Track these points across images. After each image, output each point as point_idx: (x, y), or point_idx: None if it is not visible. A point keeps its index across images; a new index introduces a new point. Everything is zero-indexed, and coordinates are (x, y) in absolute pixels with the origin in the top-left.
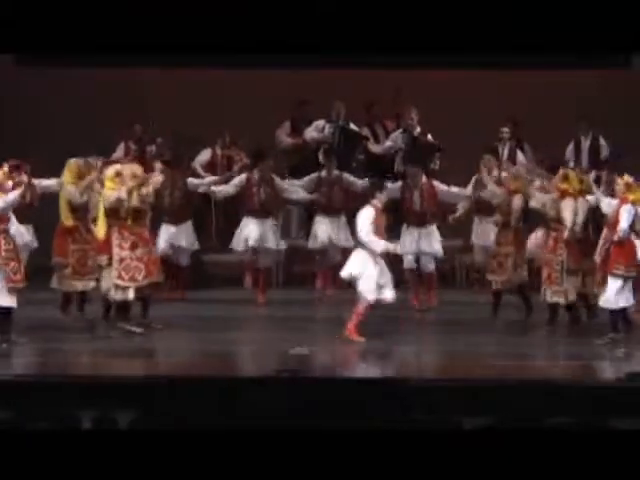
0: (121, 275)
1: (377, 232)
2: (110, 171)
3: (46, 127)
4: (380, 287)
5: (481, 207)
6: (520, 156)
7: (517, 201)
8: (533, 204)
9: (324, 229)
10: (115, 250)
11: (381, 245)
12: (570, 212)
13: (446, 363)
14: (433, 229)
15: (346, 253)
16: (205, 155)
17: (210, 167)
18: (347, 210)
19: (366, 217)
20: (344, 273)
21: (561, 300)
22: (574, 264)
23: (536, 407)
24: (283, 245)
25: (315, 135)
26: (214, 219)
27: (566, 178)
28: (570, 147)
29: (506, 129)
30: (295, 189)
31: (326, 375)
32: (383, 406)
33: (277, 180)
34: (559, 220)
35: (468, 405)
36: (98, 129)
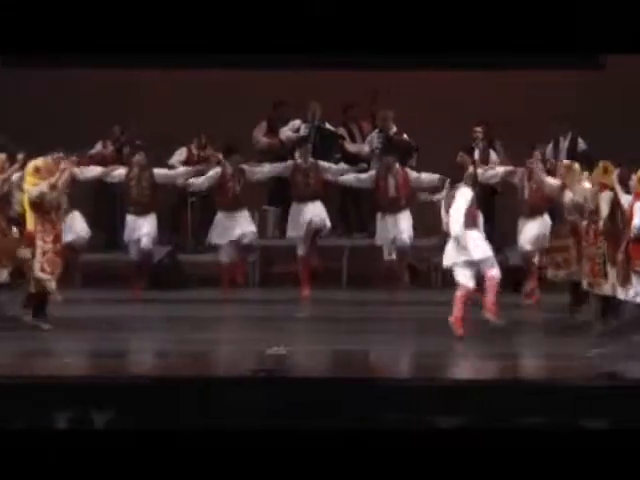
0: (44, 268)
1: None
2: (30, 166)
3: (28, 126)
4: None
5: None
6: (493, 155)
7: (568, 194)
8: (575, 197)
9: (302, 216)
10: (39, 243)
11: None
12: (607, 204)
13: (422, 363)
14: (407, 214)
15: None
16: (181, 155)
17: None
18: (323, 197)
19: (462, 206)
20: (445, 263)
21: (607, 290)
22: (615, 255)
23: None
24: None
25: (291, 135)
26: (190, 218)
27: (606, 171)
28: (549, 147)
29: (479, 129)
30: (261, 168)
31: (303, 375)
32: (359, 406)
33: (247, 167)
34: (598, 212)
35: (444, 405)
36: (81, 128)
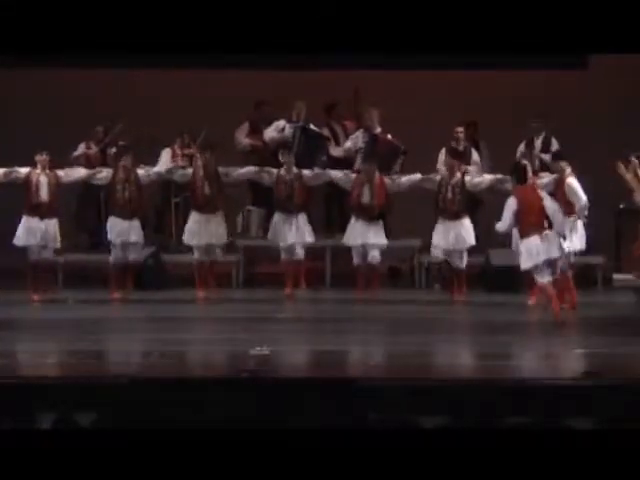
0: None
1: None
2: None
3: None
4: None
5: (447, 208)
6: (475, 155)
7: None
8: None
9: (285, 228)
10: None
11: None
12: None
13: (402, 363)
14: (379, 226)
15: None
16: (166, 155)
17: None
18: (307, 208)
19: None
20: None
21: None
22: None
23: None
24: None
25: (275, 136)
26: (174, 218)
27: None
28: (521, 146)
29: (460, 129)
30: (234, 168)
31: (287, 375)
32: (340, 406)
33: (220, 170)
34: None
35: (422, 405)
36: (63, 128)
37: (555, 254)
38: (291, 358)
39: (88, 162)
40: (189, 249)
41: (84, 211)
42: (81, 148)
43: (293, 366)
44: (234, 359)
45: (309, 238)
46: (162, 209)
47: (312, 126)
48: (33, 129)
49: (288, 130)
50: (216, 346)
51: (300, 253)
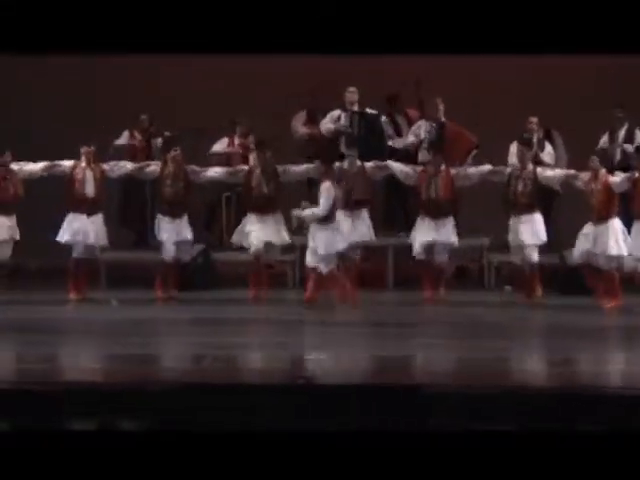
0: None
1: None
2: None
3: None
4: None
5: (518, 202)
6: (548, 147)
7: None
8: None
9: (345, 226)
10: None
11: None
12: None
13: (462, 369)
14: (450, 219)
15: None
16: (221, 144)
17: (226, 157)
18: (370, 203)
19: None
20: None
21: None
22: None
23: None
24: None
25: (331, 127)
26: (224, 214)
27: None
28: (604, 137)
29: (534, 119)
30: (292, 166)
31: (343, 382)
32: (402, 413)
33: (280, 169)
34: None
35: (482, 411)
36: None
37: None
38: (350, 364)
39: (132, 153)
40: (241, 247)
41: (128, 207)
42: (125, 136)
43: (352, 372)
44: (289, 364)
45: (370, 236)
46: (212, 204)
47: (368, 110)
48: (67, 121)
49: (344, 119)
50: (269, 350)
51: (356, 252)
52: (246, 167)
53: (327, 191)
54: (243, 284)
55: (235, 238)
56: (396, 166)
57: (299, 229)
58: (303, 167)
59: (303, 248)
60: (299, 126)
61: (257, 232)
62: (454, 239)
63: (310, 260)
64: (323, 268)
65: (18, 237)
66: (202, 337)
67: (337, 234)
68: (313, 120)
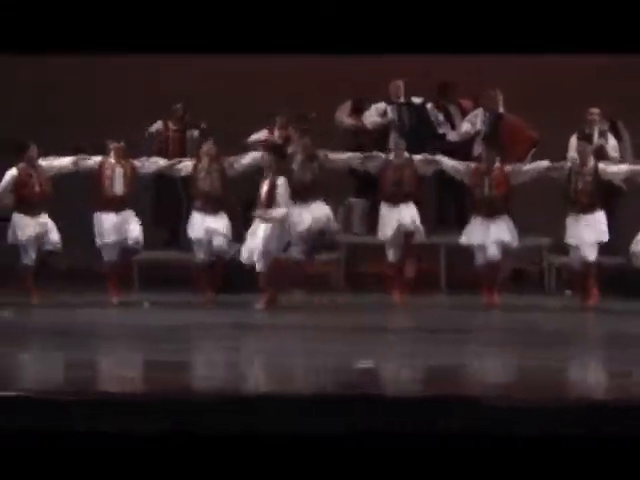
0: None
1: None
2: None
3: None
4: None
5: (578, 200)
6: (612, 140)
7: None
8: None
9: (391, 220)
10: None
11: None
12: None
13: (517, 379)
14: (505, 217)
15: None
16: (261, 134)
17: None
18: (417, 198)
19: None
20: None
21: None
22: None
23: None
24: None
25: (378, 120)
26: None
27: None
28: None
29: (596, 110)
30: (335, 153)
31: (394, 393)
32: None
33: (321, 153)
34: None
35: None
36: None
37: None
38: (401, 373)
39: (164, 144)
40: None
41: (161, 204)
42: (157, 126)
43: (403, 382)
44: (334, 373)
45: (419, 234)
46: (251, 200)
47: (414, 99)
48: (99, 115)
49: (390, 112)
50: (313, 358)
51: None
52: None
53: (282, 187)
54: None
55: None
56: (446, 161)
57: (345, 226)
58: (345, 155)
59: (349, 246)
60: (344, 117)
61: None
62: (510, 238)
63: (246, 258)
64: (260, 267)
65: (54, 238)
66: (241, 343)
67: (283, 231)
68: (359, 110)
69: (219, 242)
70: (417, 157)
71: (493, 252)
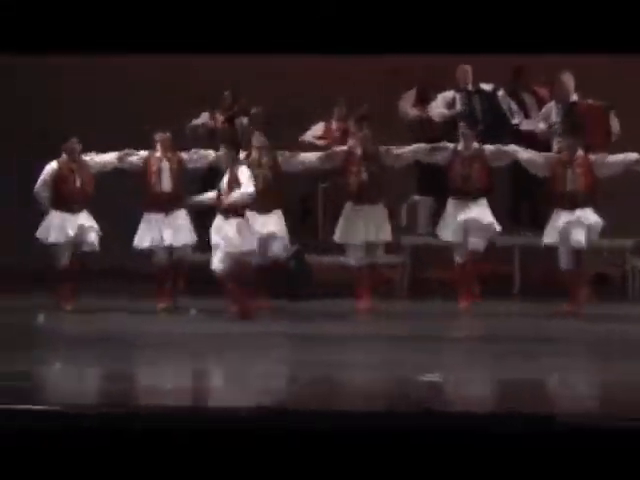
0: None
1: None
2: None
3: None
4: None
5: None
6: None
7: None
8: None
9: (458, 218)
10: None
11: None
12: None
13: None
14: (589, 213)
15: None
16: (317, 129)
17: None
18: (490, 192)
19: None
20: None
21: None
22: None
23: None
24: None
25: (445, 112)
26: (320, 209)
27: None
28: None
29: None
30: (398, 147)
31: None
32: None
33: (381, 149)
34: None
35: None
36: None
37: None
38: (470, 387)
39: (210, 135)
40: (340, 248)
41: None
42: (204, 117)
43: (472, 398)
44: (397, 387)
45: (489, 235)
46: (306, 198)
47: (483, 85)
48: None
49: (460, 101)
50: (374, 371)
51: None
52: (344, 148)
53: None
54: (343, 292)
55: (338, 235)
56: (522, 152)
57: (409, 227)
58: (411, 147)
59: (414, 249)
60: (408, 107)
61: (355, 230)
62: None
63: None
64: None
65: (91, 238)
66: (294, 354)
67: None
68: (425, 100)
69: (276, 247)
70: (489, 147)
71: (579, 239)
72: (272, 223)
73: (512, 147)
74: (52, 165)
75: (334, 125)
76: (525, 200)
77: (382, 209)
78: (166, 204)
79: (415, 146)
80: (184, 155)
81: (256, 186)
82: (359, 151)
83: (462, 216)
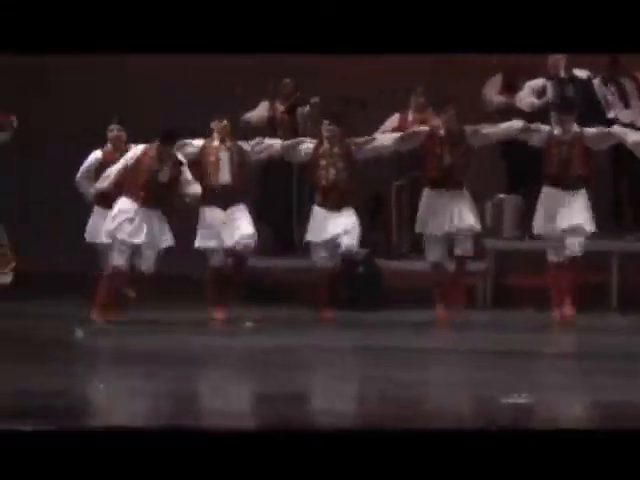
0: None
1: None
2: None
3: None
4: None
5: None
6: None
7: None
8: None
9: (554, 211)
10: None
11: None
12: None
13: None
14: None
15: None
16: (393, 121)
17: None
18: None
19: None
20: None
21: None
22: None
23: None
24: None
25: (536, 101)
26: (394, 209)
27: None
28: None
29: None
30: (507, 125)
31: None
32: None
33: (468, 129)
34: None
35: None
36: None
37: None
38: (563, 409)
39: (271, 128)
40: (416, 250)
41: (269, 198)
42: (263, 107)
43: (563, 419)
44: (480, 408)
45: (587, 228)
46: (379, 196)
47: (577, 71)
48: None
49: (551, 90)
50: (453, 390)
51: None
52: (426, 128)
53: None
54: (419, 301)
55: (419, 225)
56: (630, 134)
57: (495, 228)
58: (503, 125)
59: (499, 253)
60: (493, 95)
61: (435, 221)
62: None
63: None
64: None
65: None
66: (364, 371)
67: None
68: (512, 87)
69: (348, 242)
70: (590, 130)
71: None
72: (345, 223)
73: (617, 128)
74: (96, 154)
75: (410, 117)
76: (628, 194)
77: (467, 196)
78: (226, 199)
79: (507, 124)
80: (245, 145)
81: (327, 180)
82: (442, 132)
83: (558, 209)
